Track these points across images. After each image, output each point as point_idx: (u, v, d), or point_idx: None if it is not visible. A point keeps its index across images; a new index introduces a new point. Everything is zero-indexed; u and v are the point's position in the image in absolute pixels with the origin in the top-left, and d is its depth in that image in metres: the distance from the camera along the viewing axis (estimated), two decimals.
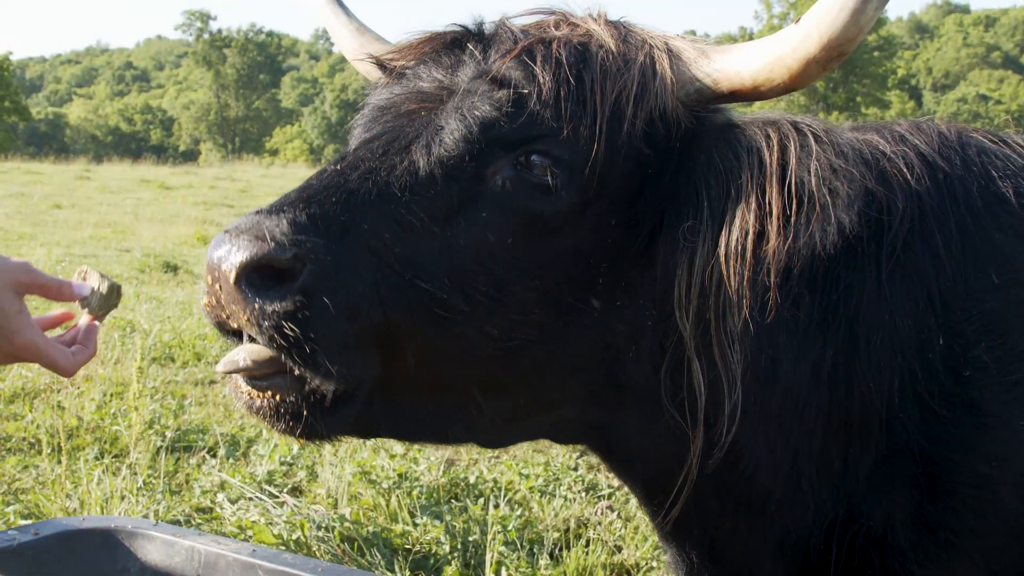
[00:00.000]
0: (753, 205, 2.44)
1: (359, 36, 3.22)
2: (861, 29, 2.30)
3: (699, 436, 2.59)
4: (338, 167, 2.49)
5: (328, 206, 2.37)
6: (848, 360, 2.69)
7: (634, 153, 2.52)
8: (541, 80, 2.47)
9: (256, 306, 2.25)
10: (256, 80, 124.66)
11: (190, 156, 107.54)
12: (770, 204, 2.43)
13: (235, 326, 2.35)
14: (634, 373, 2.62)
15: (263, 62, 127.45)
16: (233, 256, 2.25)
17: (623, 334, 2.59)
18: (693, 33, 2.93)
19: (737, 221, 2.45)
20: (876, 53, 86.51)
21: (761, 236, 2.44)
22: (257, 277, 2.26)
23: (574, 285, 2.52)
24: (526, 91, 2.47)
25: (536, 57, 2.51)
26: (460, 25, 2.73)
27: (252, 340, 2.38)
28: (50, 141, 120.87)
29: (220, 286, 2.29)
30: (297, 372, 2.33)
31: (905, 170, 2.77)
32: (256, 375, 2.40)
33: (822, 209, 2.41)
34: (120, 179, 38.97)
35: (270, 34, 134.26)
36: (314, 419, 2.39)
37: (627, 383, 2.64)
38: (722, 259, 2.45)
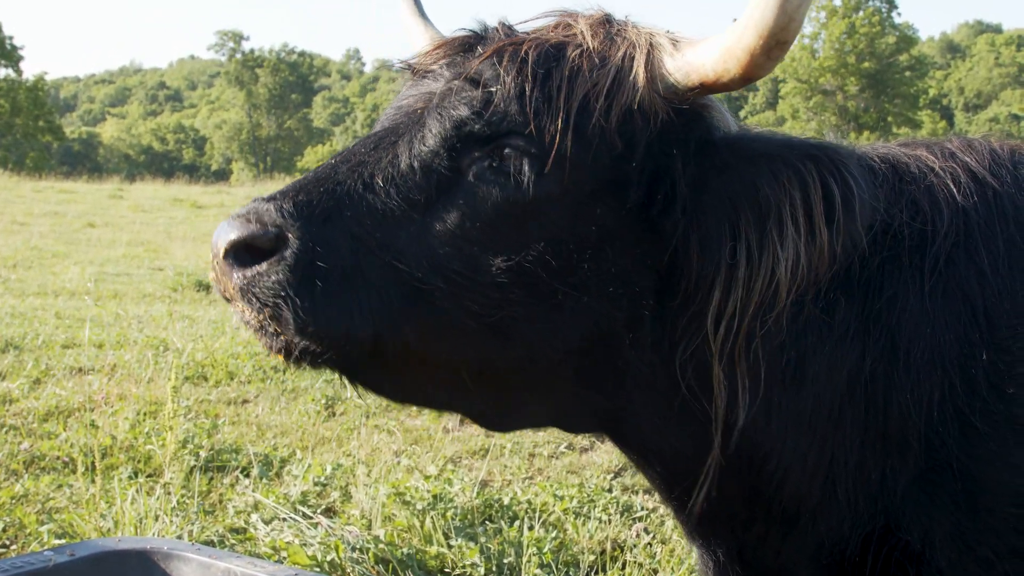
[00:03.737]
0: (804, 236, 2.56)
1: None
2: (792, 17, 2.38)
3: (718, 433, 2.68)
4: (333, 161, 2.77)
5: (315, 195, 2.65)
6: (887, 371, 2.70)
7: (608, 145, 2.64)
8: (505, 79, 2.64)
9: (238, 274, 2.57)
10: (288, 100, 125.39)
11: (222, 175, 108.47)
12: (818, 237, 2.55)
13: (229, 296, 2.65)
14: (634, 360, 2.73)
15: (295, 82, 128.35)
16: (224, 236, 2.59)
17: (619, 321, 2.69)
18: None
19: (788, 250, 2.56)
20: (907, 73, 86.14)
21: (807, 263, 2.57)
22: (245, 254, 2.58)
23: (552, 269, 2.63)
24: (494, 89, 2.64)
25: (504, 58, 2.68)
26: (470, 29, 2.92)
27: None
28: (83, 160, 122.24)
29: (217, 262, 2.62)
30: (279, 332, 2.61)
31: (952, 186, 2.81)
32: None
33: (857, 240, 2.59)
34: (153, 198, 39.26)
35: (302, 54, 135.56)
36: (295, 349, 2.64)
37: (628, 370, 2.74)
38: (767, 281, 2.58)
